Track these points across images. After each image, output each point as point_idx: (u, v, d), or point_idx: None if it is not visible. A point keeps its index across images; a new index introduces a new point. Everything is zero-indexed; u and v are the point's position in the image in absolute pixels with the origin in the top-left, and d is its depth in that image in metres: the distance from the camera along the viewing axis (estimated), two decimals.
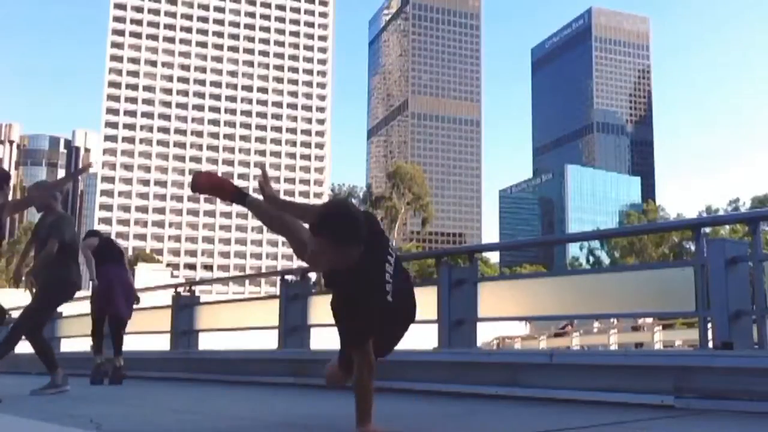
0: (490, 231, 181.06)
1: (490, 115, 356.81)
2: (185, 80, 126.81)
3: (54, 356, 5.70)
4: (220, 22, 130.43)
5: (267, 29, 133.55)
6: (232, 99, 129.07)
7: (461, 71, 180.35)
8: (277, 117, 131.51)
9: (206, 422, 3.58)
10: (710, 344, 4.31)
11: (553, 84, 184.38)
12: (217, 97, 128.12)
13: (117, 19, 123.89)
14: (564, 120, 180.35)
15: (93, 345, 7.11)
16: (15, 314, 6.21)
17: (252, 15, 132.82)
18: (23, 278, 6.29)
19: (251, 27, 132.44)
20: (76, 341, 10.60)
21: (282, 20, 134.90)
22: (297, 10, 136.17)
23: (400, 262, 2.84)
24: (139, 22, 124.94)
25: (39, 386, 5.47)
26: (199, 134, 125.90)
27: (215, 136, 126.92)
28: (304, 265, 4.92)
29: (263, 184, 3.19)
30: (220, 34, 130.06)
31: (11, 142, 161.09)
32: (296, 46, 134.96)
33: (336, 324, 2.80)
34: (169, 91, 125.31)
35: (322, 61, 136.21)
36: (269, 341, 7.52)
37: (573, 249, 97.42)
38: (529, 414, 3.64)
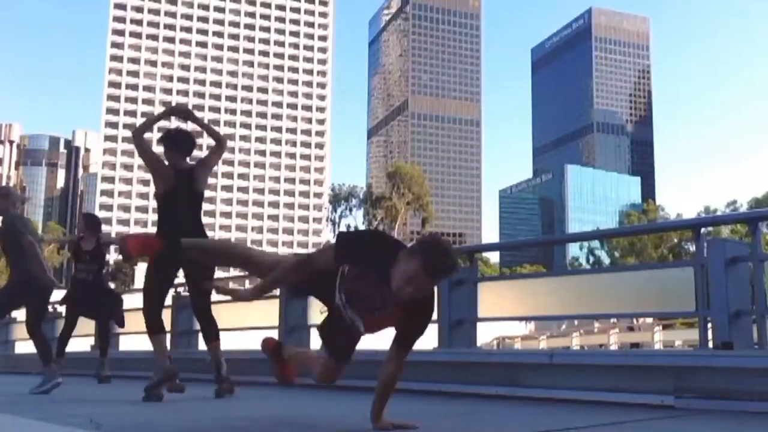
0: (490, 231, 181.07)
1: (490, 115, 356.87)
2: (185, 80, 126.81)
3: (50, 351, 5.83)
4: (220, 22, 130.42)
5: (267, 29, 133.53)
6: (232, 99, 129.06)
7: (461, 71, 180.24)
8: (277, 117, 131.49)
9: (206, 422, 3.58)
10: (710, 344, 4.31)
11: (553, 84, 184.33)
12: (217, 97, 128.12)
13: (117, 19, 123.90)
14: (564, 120, 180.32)
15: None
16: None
17: (252, 15, 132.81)
18: None
19: (251, 27, 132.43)
20: (76, 341, 10.59)
21: (282, 20, 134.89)
22: (297, 10, 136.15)
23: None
24: (139, 22, 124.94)
25: (35, 385, 5.54)
26: (200, 134, 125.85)
27: None
28: None
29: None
30: (220, 34, 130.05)
31: (11, 142, 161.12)
32: (296, 46, 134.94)
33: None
34: (169, 91, 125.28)
35: (322, 61, 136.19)
36: None
37: (573, 249, 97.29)
38: (529, 414, 3.64)
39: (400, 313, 2.84)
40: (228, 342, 8.66)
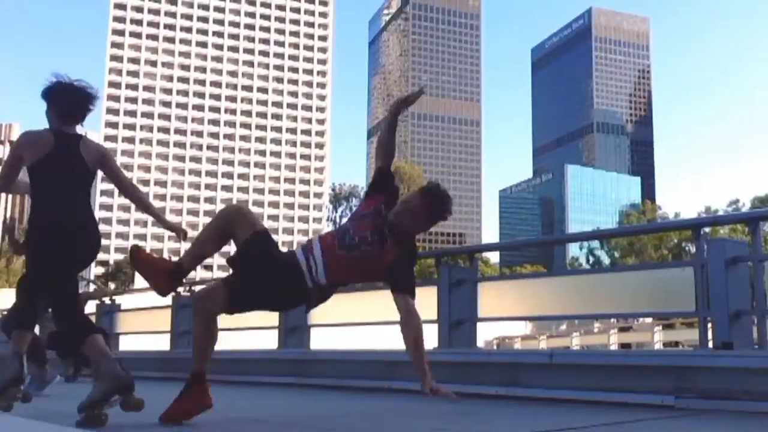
0: (490, 231, 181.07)
1: (490, 115, 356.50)
2: (185, 80, 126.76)
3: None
4: (220, 22, 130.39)
5: (267, 29, 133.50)
6: (232, 99, 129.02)
7: (461, 71, 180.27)
8: (277, 117, 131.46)
9: (206, 422, 3.58)
10: (710, 344, 4.31)
11: (553, 84, 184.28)
12: (217, 97, 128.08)
13: (117, 19, 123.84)
14: (564, 120, 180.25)
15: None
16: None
17: (252, 15, 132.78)
18: None
19: (251, 27, 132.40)
20: None
21: (282, 20, 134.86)
22: (297, 10, 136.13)
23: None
24: (139, 22, 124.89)
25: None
26: (199, 134, 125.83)
27: (215, 136, 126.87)
28: None
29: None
30: (220, 34, 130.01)
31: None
32: (296, 46, 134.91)
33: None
34: (169, 91, 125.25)
35: (322, 61, 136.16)
36: (269, 341, 7.52)
37: (573, 249, 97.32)
38: (529, 414, 3.64)
39: (388, 253, 2.98)
40: (228, 342, 8.68)
